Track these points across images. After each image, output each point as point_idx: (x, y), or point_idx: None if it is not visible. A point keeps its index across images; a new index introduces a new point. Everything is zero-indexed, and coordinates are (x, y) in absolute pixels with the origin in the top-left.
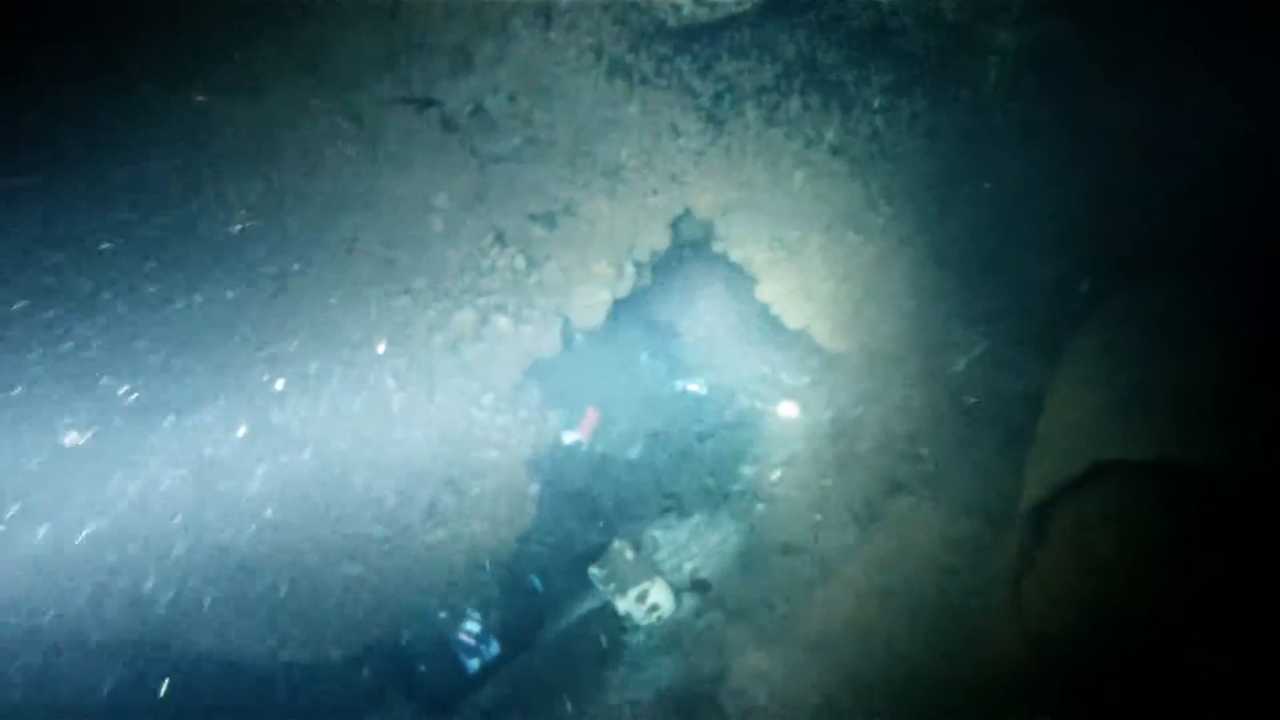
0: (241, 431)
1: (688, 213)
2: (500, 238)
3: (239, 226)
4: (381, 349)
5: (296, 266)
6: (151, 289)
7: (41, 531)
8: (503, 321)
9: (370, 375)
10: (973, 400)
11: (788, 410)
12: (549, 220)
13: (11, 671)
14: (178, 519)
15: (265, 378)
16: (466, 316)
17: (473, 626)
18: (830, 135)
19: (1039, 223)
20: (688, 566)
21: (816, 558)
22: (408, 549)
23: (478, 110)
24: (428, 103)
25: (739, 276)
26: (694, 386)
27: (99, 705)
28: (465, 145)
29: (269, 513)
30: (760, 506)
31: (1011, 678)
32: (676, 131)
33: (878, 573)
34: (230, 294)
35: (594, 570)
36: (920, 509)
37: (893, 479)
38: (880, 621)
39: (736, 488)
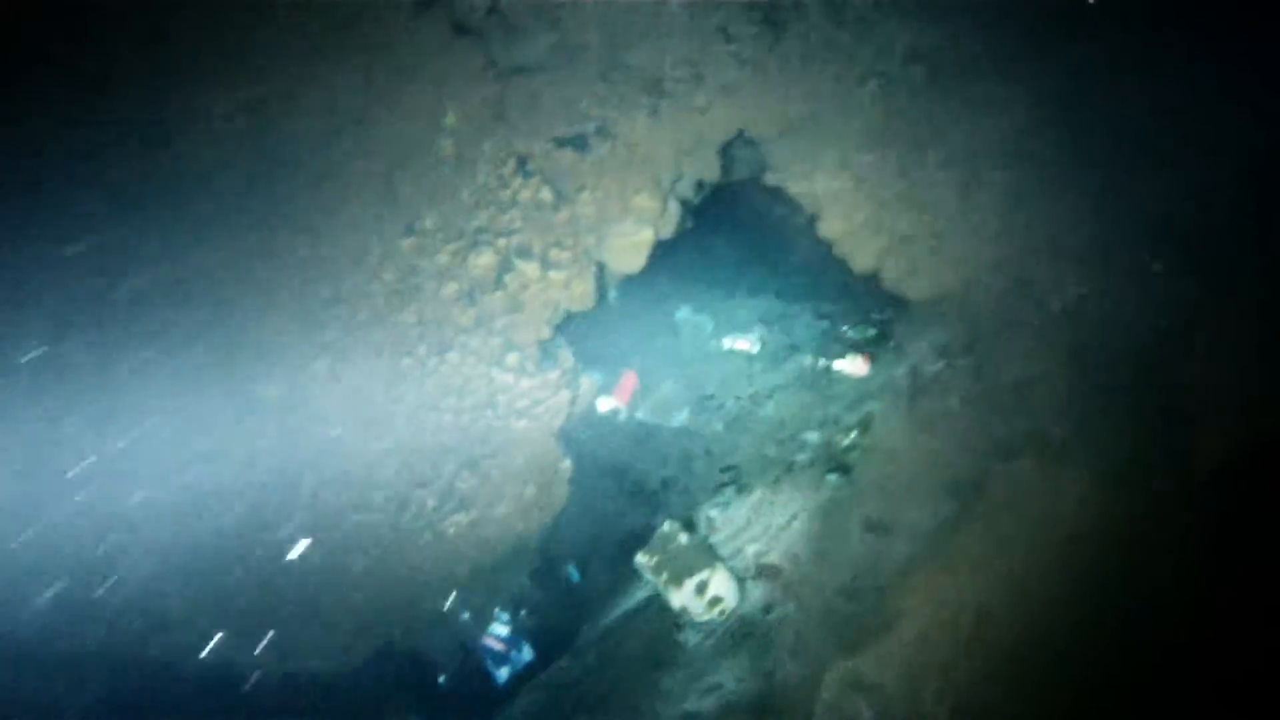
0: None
1: (741, 135)
2: (522, 165)
3: (211, 151)
4: (382, 301)
5: (279, 202)
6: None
7: None
8: (527, 266)
9: (370, 333)
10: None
11: (856, 366)
12: (580, 144)
13: None
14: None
15: (246, 337)
16: (484, 260)
17: (500, 629)
18: (908, 39)
19: (1151, 152)
20: (751, 550)
21: (910, 536)
22: (422, 539)
23: (494, 8)
24: (431, 1)
25: (799, 211)
26: (745, 344)
27: None
28: (480, 51)
29: (244, 503)
30: (833, 477)
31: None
32: (728, 36)
33: (993, 552)
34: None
35: (641, 558)
36: (1037, 474)
37: (995, 439)
38: (1002, 615)
39: (802, 457)
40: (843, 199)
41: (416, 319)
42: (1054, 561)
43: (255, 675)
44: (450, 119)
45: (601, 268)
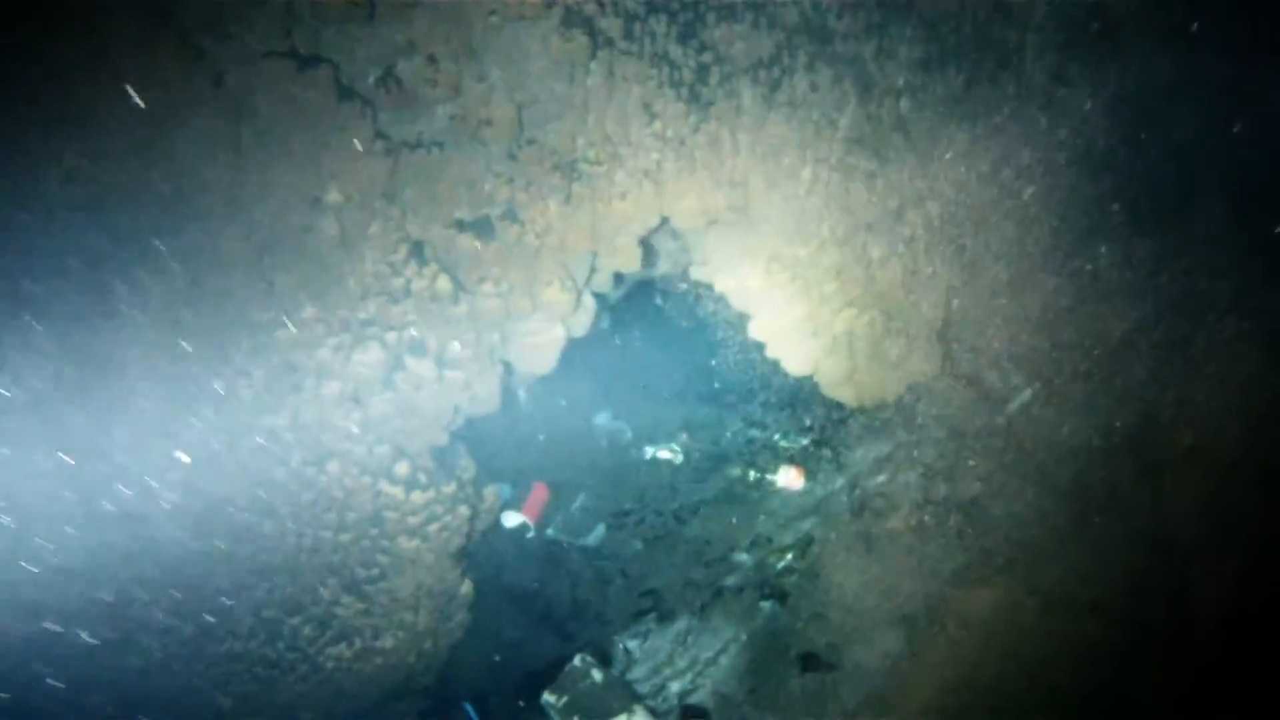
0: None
1: (664, 223)
2: (417, 251)
3: (51, 220)
4: (250, 402)
5: (127, 288)
6: None
7: None
8: (421, 365)
9: (236, 440)
10: None
11: (790, 479)
12: (483, 229)
13: None
14: None
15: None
16: (371, 357)
17: None
18: (845, 122)
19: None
20: (674, 688)
21: (855, 676)
22: (296, 676)
23: (387, 75)
24: (314, 60)
25: (727, 308)
26: (667, 453)
27: None
28: (368, 122)
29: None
30: (767, 605)
31: None
32: (650, 113)
33: (950, 695)
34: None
35: (549, 697)
36: (1002, 605)
37: (953, 564)
38: None
39: (732, 581)
40: (775, 294)
41: (290, 423)
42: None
43: None
44: (333, 196)
45: (507, 367)
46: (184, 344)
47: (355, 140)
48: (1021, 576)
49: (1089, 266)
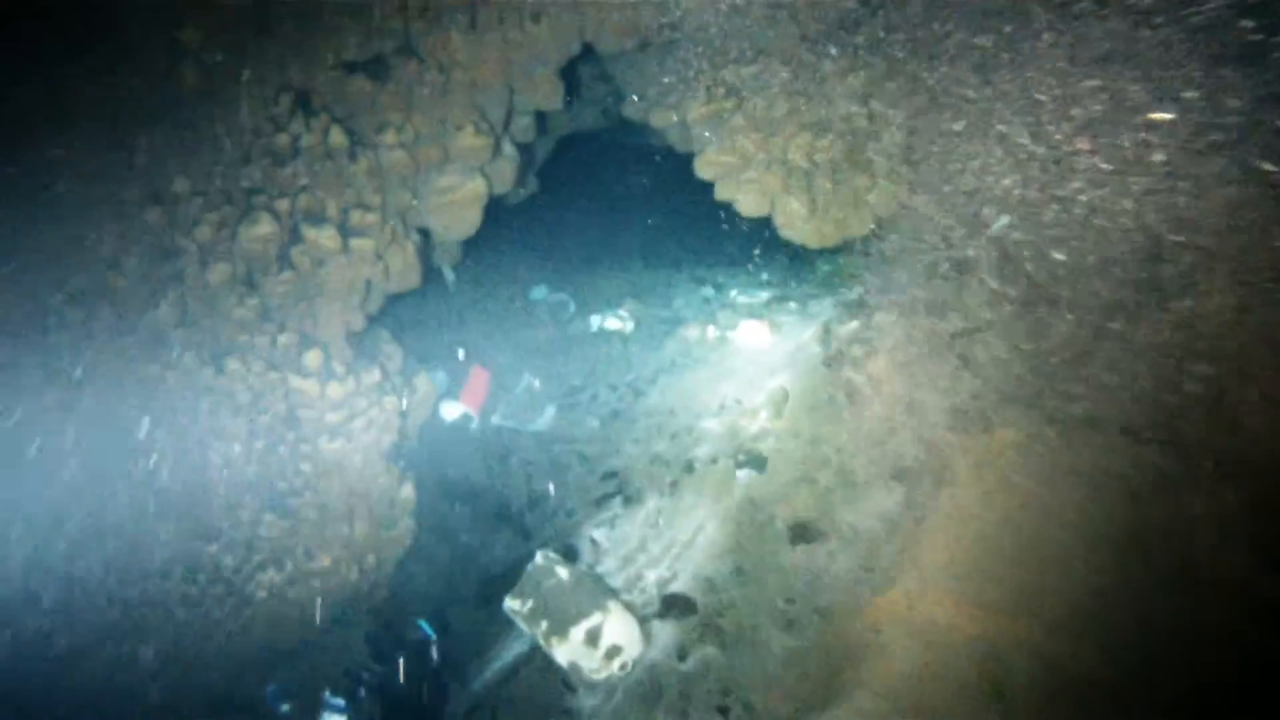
0: None
1: (587, 50)
2: (302, 100)
3: None
4: (127, 297)
5: None
6: None
7: None
8: (321, 235)
9: (115, 342)
10: None
11: (753, 335)
12: (377, 69)
13: None
14: None
15: None
16: (261, 230)
17: (334, 717)
18: None
19: None
20: (651, 577)
21: (853, 540)
22: (223, 611)
23: None
24: None
25: (669, 149)
26: (616, 322)
27: None
28: None
29: None
30: (744, 474)
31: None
32: None
33: (966, 557)
34: None
35: (511, 602)
36: (1023, 445)
37: (950, 405)
38: (993, 638)
39: (702, 451)
40: (723, 125)
41: (176, 318)
42: (1071, 554)
43: None
44: (188, 33)
45: (425, 236)
46: (42, 235)
47: None
48: (1035, 408)
49: None
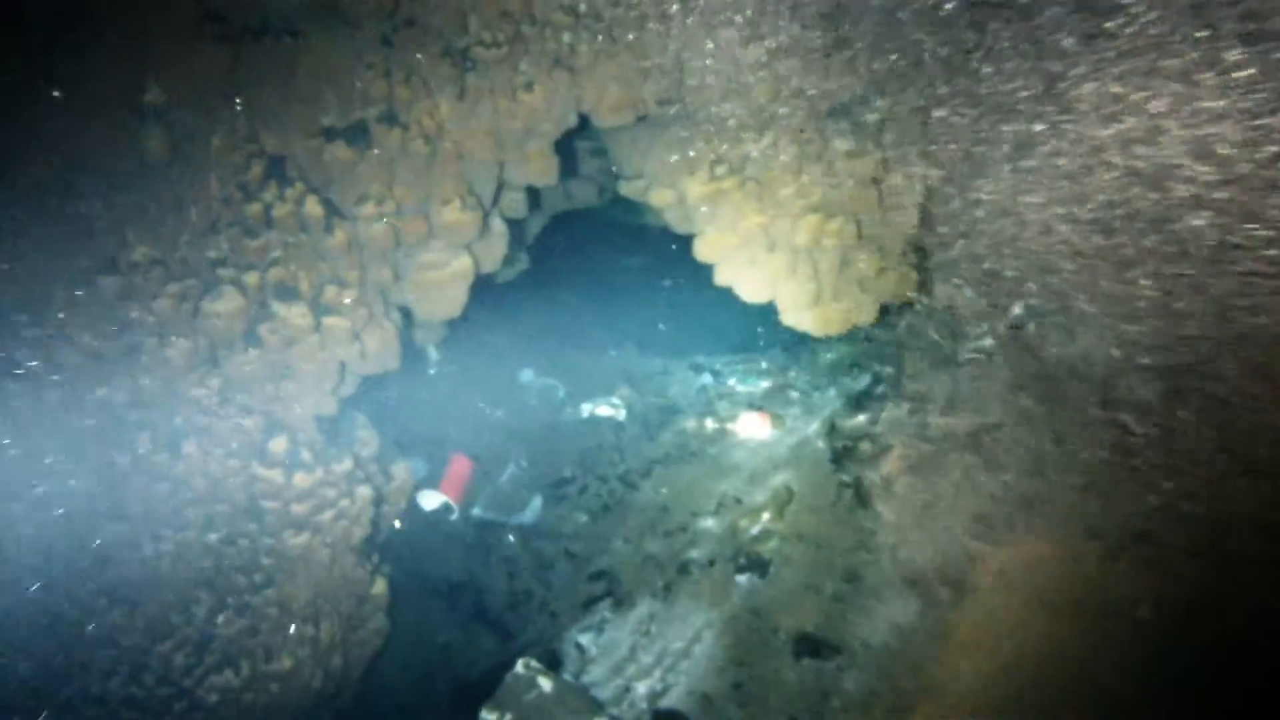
0: None
1: (583, 123)
2: (276, 167)
3: None
4: (76, 373)
5: None
6: None
7: None
8: (291, 312)
9: (62, 421)
10: None
11: (754, 427)
12: (357, 136)
13: None
14: None
15: None
16: (226, 305)
17: None
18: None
19: None
20: (641, 690)
21: (864, 657)
22: (171, 715)
23: None
24: None
25: (667, 229)
26: (608, 409)
27: None
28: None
29: None
30: (744, 579)
31: None
32: None
33: (995, 688)
34: None
35: (488, 715)
36: (1047, 554)
37: (974, 511)
38: None
39: (699, 553)
40: (722, 204)
41: (130, 397)
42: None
43: None
44: (154, 95)
45: (406, 314)
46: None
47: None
48: (1062, 515)
49: None
